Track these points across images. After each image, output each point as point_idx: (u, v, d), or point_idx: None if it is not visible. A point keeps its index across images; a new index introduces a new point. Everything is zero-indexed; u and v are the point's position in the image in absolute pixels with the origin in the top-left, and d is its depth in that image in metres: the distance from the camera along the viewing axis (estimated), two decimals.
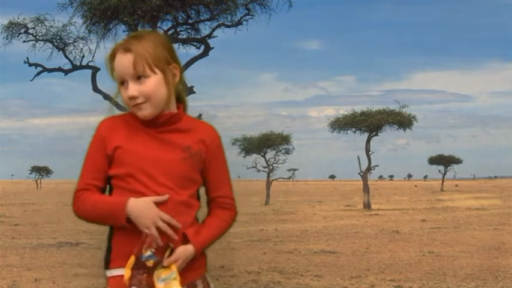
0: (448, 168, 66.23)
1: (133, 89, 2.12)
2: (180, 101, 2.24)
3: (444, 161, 66.05)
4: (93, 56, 11.45)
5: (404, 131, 32.64)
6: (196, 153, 2.18)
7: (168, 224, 2.09)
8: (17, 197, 45.60)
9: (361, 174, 32.63)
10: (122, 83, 2.15)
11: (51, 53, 11.87)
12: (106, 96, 9.34)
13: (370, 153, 32.32)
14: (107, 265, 2.17)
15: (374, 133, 32.62)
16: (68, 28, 11.56)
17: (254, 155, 38.80)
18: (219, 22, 10.66)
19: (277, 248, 12.63)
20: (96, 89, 11.22)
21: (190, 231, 2.15)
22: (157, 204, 2.09)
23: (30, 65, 12.09)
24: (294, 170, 57.21)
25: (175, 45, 10.96)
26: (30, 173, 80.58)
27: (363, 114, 32.38)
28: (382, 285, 8.32)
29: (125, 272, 2.07)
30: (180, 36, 10.92)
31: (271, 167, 38.59)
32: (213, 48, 10.78)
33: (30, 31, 11.74)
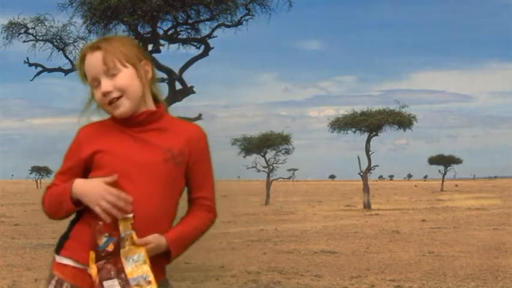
0: (448, 168, 66.11)
1: (106, 84, 2.10)
2: (158, 102, 2.21)
3: (444, 161, 65.93)
4: None
5: (404, 131, 32.63)
6: (178, 154, 2.13)
7: (119, 198, 2.01)
8: (17, 197, 45.48)
9: (361, 174, 32.60)
10: (95, 85, 2.13)
11: (51, 53, 11.91)
12: None
13: (370, 153, 32.29)
14: (58, 250, 2.14)
15: (374, 133, 32.58)
16: (68, 28, 11.60)
17: (254, 155, 38.80)
18: (219, 22, 10.67)
19: (277, 248, 12.61)
20: None
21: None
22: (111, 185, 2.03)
23: (30, 65, 12.10)
24: (294, 170, 57.34)
25: (175, 45, 10.98)
26: (30, 173, 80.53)
27: (363, 114, 32.35)
28: (382, 285, 8.32)
29: (91, 270, 2.01)
30: (180, 36, 10.92)
31: (271, 167, 38.56)
32: (213, 48, 10.79)
33: (30, 31, 11.75)
